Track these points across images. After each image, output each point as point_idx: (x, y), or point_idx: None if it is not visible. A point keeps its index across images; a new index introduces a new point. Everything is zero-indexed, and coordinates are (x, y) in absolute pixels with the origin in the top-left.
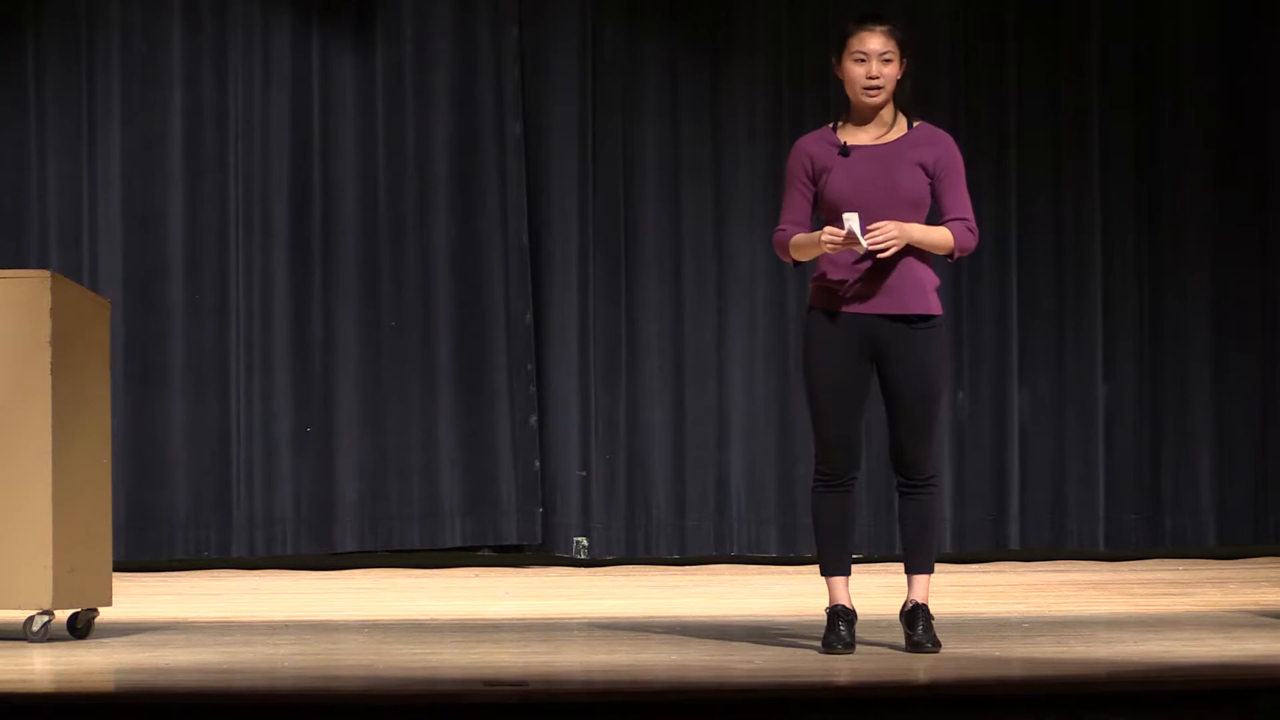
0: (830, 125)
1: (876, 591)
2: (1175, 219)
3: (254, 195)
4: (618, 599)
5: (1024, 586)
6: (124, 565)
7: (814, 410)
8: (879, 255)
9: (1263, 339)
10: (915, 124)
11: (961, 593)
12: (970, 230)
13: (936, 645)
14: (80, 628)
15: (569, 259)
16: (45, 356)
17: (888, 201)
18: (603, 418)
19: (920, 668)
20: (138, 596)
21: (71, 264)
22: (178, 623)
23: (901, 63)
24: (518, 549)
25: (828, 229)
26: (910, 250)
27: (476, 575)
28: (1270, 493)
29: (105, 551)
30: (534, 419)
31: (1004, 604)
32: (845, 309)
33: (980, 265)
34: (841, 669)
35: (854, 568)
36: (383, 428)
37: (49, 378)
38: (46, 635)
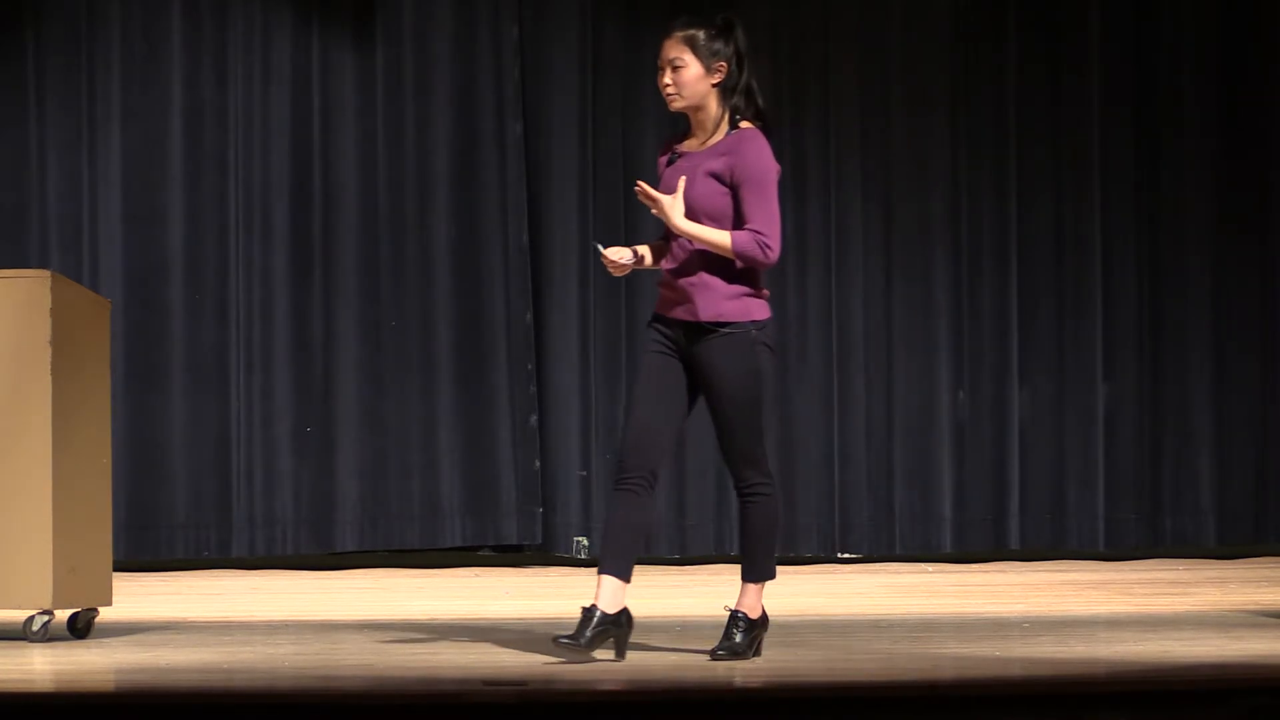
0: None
1: (878, 591)
2: (1175, 219)
3: (254, 195)
4: None
5: (1024, 586)
6: (124, 565)
7: (626, 405)
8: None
9: (1262, 339)
10: (734, 131)
11: (961, 593)
12: (759, 242)
13: (735, 655)
14: (80, 627)
15: (569, 258)
16: (45, 356)
17: (685, 213)
18: (603, 417)
19: (921, 668)
20: (138, 596)
21: (72, 264)
22: (178, 622)
23: (712, 66)
24: (518, 549)
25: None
26: (706, 258)
27: (476, 575)
28: (1270, 492)
29: (105, 551)
30: (534, 418)
31: (1004, 604)
32: (662, 312)
33: (980, 265)
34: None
35: (855, 566)
36: (383, 427)
37: (49, 377)
38: (46, 635)
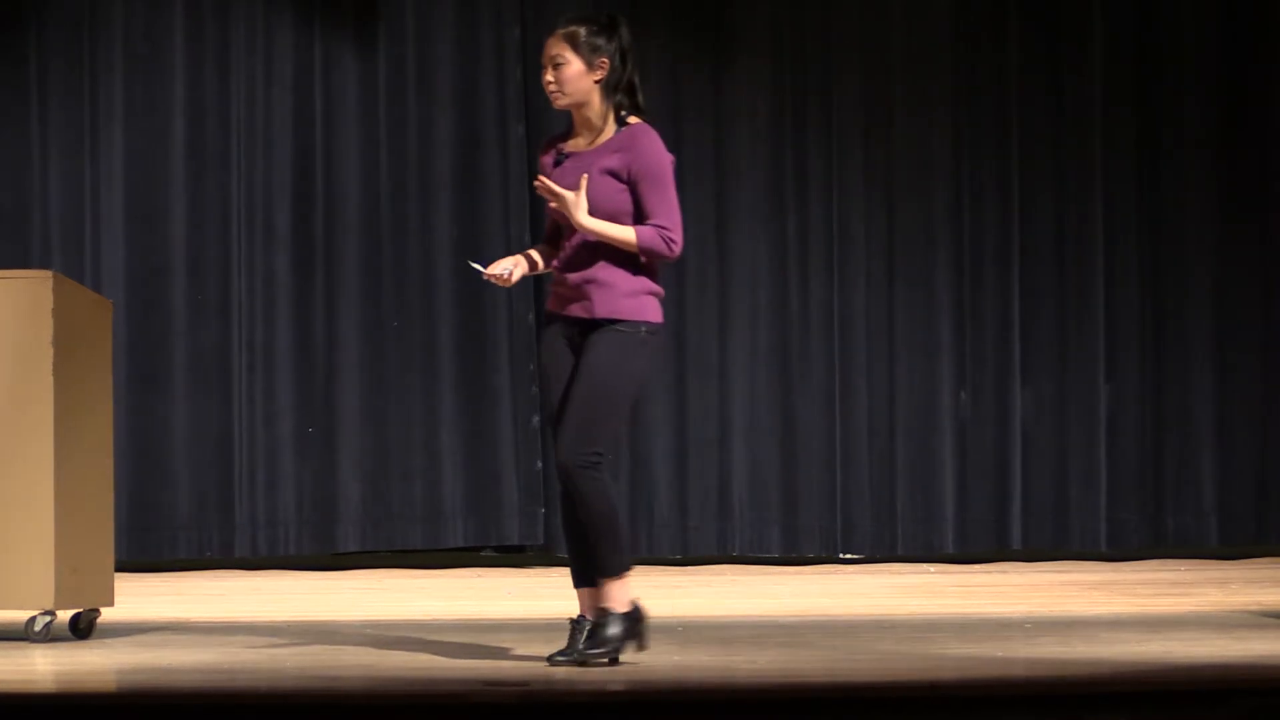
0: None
1: (880, 592)
2: (1177, 219)
3: (256, 195)
4: None
5: (1026, 587)
6: (126, 565)
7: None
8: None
9: (1264, 339)
10: (624, 128)
11: (964, 593)
12: (664, 237)
13: (575, 661)
14: (82, 628)
15: None
16: (48, 357)
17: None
18: None
19: (923, 668)
20: (140, 597)
21: (74, 264)
22: (179, 623)
23: (594, 63)
24: (520, 549)
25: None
26: (604, 254)
27: (478, 575)
28: (1272, 493)
29: (107, 552)
30: (536, 419)
31: (1006, 604)
32: (556, 310)
33: (982, 266)
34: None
35: (856, 567)
36: (385, 428)
37: (51, 378)
38: (48, 635)
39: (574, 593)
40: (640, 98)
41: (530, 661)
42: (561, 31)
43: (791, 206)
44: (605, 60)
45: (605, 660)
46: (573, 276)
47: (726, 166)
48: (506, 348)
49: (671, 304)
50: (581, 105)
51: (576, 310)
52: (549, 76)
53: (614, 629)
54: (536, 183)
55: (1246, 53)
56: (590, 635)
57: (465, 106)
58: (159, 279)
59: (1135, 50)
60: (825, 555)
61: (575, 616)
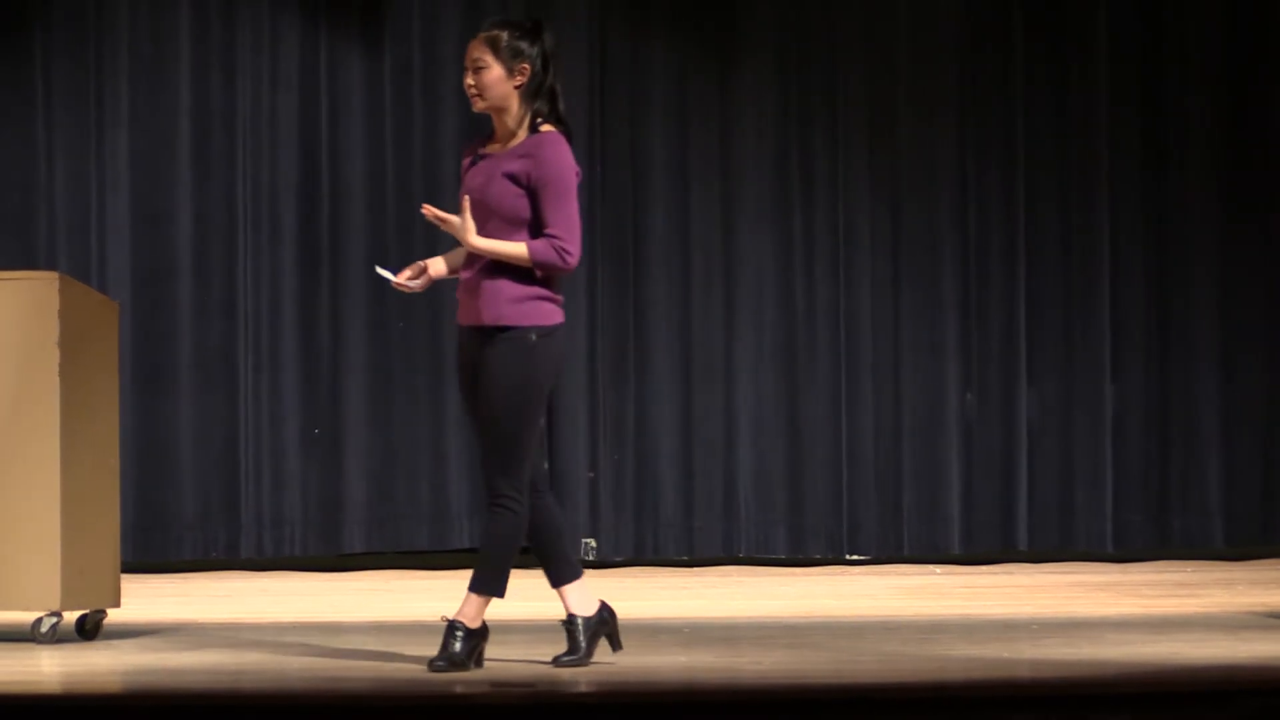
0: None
1: (886, 593)
2: (1182, 220)
3: (262, 196)
4: (626, 600)
5: (1032, 588)
6: (132, 566)
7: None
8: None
9: (1270, 339)
10: (537, 133)
11: (969, 594)
12: (556, 249)
13: (454, 665)
14: (88, 629)
15: None
16: (53, 358)
17: (483, 216)
18: (610, 419)
19: (929, 669)
20: (146, 598)
21: (80, 265)
22: (186, 624)
23: (514, 69)
24: (525, 550)
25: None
26: (494, 263)
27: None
28: (1277, 494)
29: (113, 552)
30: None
31: (1012, 605)
32: (459, 320)
33: (988, 267)
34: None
35: (862, 568)
36: (391, 429)
37: (57, 379)
38: (55, 637)
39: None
40: (561, 105)
41: (537, 663)
42: (484, 35)
43: (797, 208)
44: (526, 66)
45: (472, 666)
46: (467, 283)
47: (732, 168)
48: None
49: (677, 304)
50: (500, 110)
51: (469, 317)
52: (469, 80)
53: (477, 640)
54: (424, 209)
55: (1250, 54)
56: (464, 640)
57: (471, 106)
58: (165, 280)
59: (1139, 51)
60: (831, 556)
61: (565, 618)
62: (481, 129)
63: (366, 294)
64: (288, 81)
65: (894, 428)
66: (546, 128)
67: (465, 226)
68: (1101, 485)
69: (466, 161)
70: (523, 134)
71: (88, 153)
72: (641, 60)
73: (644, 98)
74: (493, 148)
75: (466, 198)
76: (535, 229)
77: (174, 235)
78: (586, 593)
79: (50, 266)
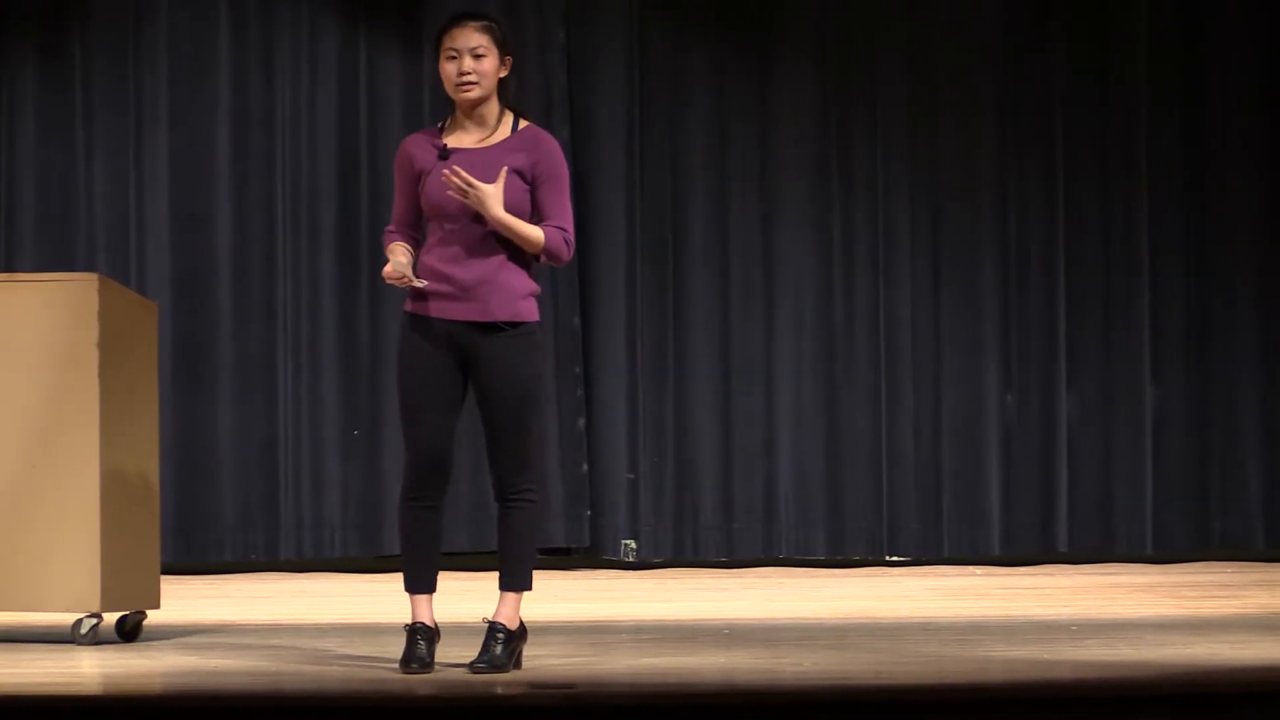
0: (439, 125)
1: (925, 594)
2: (1223, 220)
3: (301, 197)
4: (665, 602)
5: (1072, 589)
6: (171, 568)
7: (403, 419)
8: (458, 194)
9: None
10: (522, 126)
11: (1010, 595)
12: (565, 241)
13: (496, 668)
14: (128, 630)
15: (617, 262)
16: (93, 359)
17: (477, 209)
18: (650, 420)
19: (969, 671)
20: (185, 599)
21: (119, 266)
22: (225, 625)
23: (503, 60)
24: (565, 552)
25: (387, 266)
26: (504, 254)
27: None
28: None
29: (153, 554)
30: (582, 422)
31: (1052, 606)
32: (436, 315)
33: (1027, 267)
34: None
35: (902, 570)
36: None
37: (96, 381)
38: (94, 638)
39: (618, 595)
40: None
41: (575, 664)
42: (481, 23)
43: (837, 209)
44: (510, 59)
45: (512, 668)
46: (464, 276)
47: (772, 169)
48: (553, 349)
49: (717, 306)
50: (483, 101)
51: (466, 312)
52: (468, 66)
53: (516, 641)
54: (447, 172)
55: None
56: (504, 644)
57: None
58: (204, 281)
59: (1180, 52)
60: (871, 557)
61: (490, 620)
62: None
63: (405, 295)
64: (327, 82)
65: (934, 429)
66: (525, 122)
67: (497, 197)
68: (1141, 486)
69: (417, 151)
70: (505, 127)
71: (127, 154)
72: (681, 62)
73: (684, 99)
74: (462, 141)
75: (505, 169)
76: (534, 222)
77: (213, 236)
78: None
79: (89, 268)
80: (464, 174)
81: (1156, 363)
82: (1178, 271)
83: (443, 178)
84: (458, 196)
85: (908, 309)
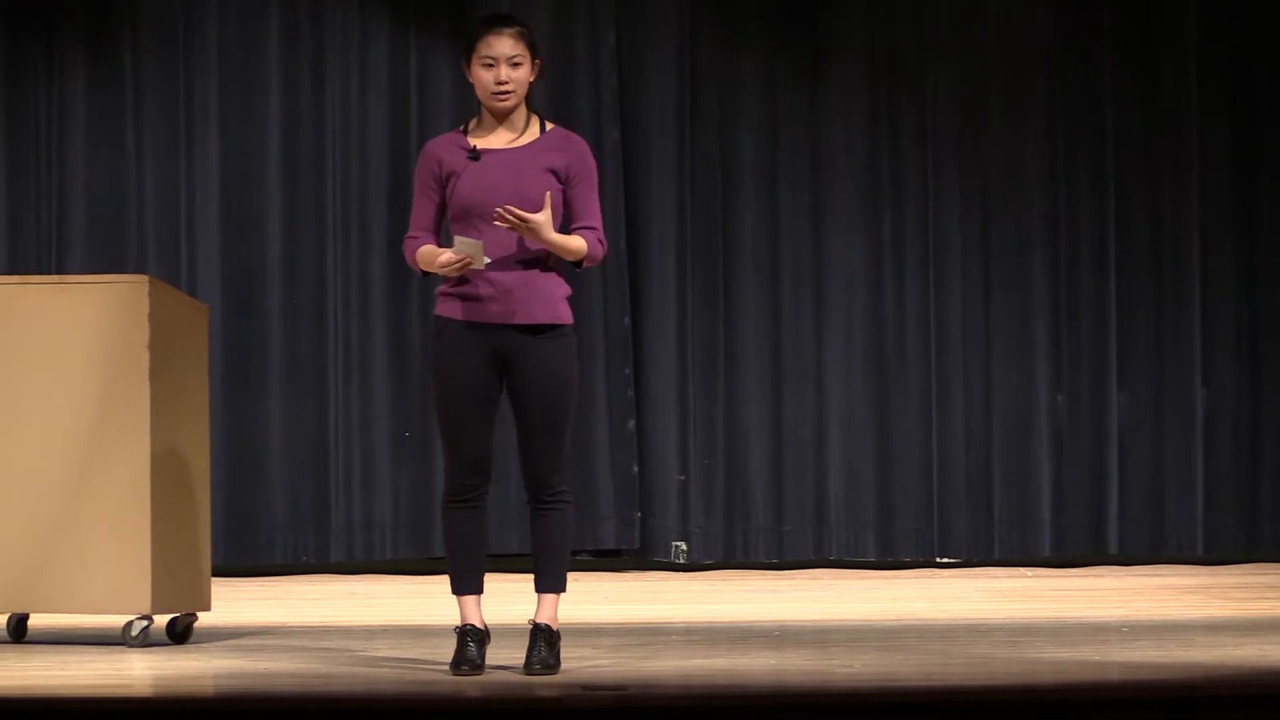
0: (460, 128)
1: (976, 596)
2: (1274, 220)
3: (351, 199)
4: (716, 603)
5: (1122, 590)
6: (222, 570)
7: (441, 424)
8: (518, 231)
9: None
10: (549, 128)
11: (1060, 597)
12: (600, 241)
13: (549, 669)
14: (179, 632)
15: (667, 263)
16: (144, 361)
17: (516, 206)
18: (701, 422)
19: (1020, 672)
20: (236, 601)
21: (170, 269)
22: (276, 627)
23: (533, 65)
24: (616, 553)
25: (446, 254)
26: (540, 258)
27: (574, 580)
28: None
29: (204, 556)
30: (632, 423)
31: (1103, 608)
32: (472, 319)
33: (1078, 268)
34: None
35: (951, 571)
36: None
37: (147, 382)
38: (146, 640)
39: (668, 597)
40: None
41: (627, 666)
42: (517, 30)
43: (887, 211)
44: (539, 62)
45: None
46: (503, 279)
47: (822, 171)
48: (602, 351)
49: (767, 308)
50: (516, 106)
51: (506, 315)
52: (505, 75)
53: (557, 641)
54: (500, 210)
55: None
56: (549, 644)
57: (560, 111)
58: (254, 283)
59: (1230, 53)
60: (922, 559)
61: (531, 626)
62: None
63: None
64: (377, 85)
65: (984, 430)
66: (551, 124)
67: (548, 225)
68: (1192, 488)
69: (445, 154)
70: (534, 129)
71: (177, 156)
72: (732, 64)
73: (734, 102)
74: (491, 143)
75: (548, 193)
76: (566, 222)
77: (264, 239)
78: None
79: (140, 270)
80: (515, 210)
81: (1207, 363)
82: (1228, 272)
83: (495, 219)
84: (512, 232)
85: (958, 310)
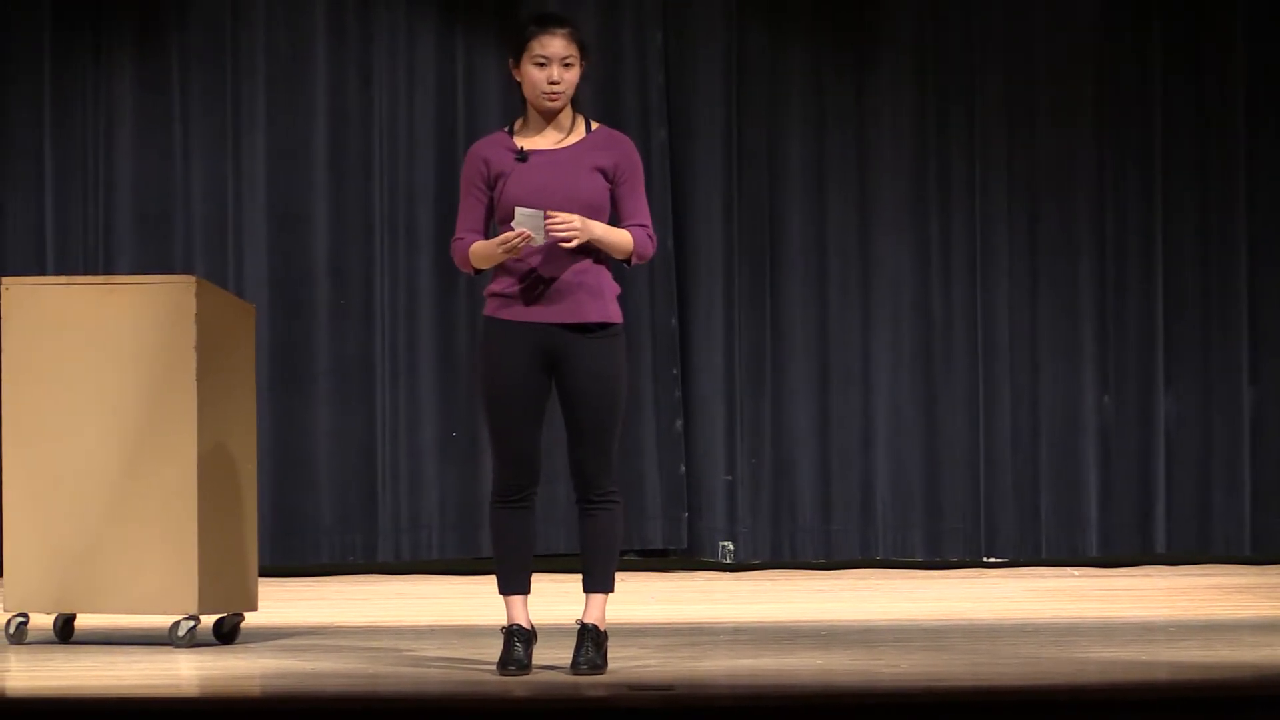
0: (506, 129)
1: (1023, 595)
2: None
3: (399, 199)
4: (763, 603)
5: (1170, 590)
6: (269, 570)
7: (490, 424)
8: (562, 244)
9: None
10: (594, 127)
11: (1107, 596)
12: (649, 237)
13: (596, 669)
14: (226, 633)
15: (714, 263)
16: (191, 361)
17: (566, 207)
18: (748, 422)
19: (1067, 672)
20: (283, 601)
21: (217, 269)
22: (323, 628)
23: (581, 66)
24: (663, 553)
25: (498, 238)
26: (590, 257)
27: (621, 580)
28: None
29: (251, 556)
30: (679, 423)
31: (1150, 608)
32: (521, 319)
33: (1126, 270)
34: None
35: (998, 571)
36: None
37: (194, 383)
38: (193, 640)
39: (715, 597)
40: None
41: (674, 666)
42: (570, 30)
43: (934, 211)
44: (586, 63)
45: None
46: (557, 279)
47: (869, 171)
48: (649, 351)
49: (815, 308)
50: (564, 107)
51: (557, 314)
52: (557, 76)
53: (604, 641)
54: (500, 240)
55: None
56: (596, 644)
57: (608, 110)
58: (302, 283)
59: (1277, 53)
60: (969, 559)
61: (579, 626)
62: (621, 132)
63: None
64: (425, 84)
65: (1031, 431)
66: (595, 122)
67: (590, 223)
68: (1240, 488)
69: (492, 155)
70: (580, 128)
71: (224, 155)
72: (779, 63)
73: (781, 101)
74: (539, 143)
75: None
76: (613, 219)
77: (310, 238)
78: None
79: (187, 270)
80: (558, 216)
81: (1255, 364)
82: (1275, 272)
83: (512, 247)
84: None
85: (1005, 310)
